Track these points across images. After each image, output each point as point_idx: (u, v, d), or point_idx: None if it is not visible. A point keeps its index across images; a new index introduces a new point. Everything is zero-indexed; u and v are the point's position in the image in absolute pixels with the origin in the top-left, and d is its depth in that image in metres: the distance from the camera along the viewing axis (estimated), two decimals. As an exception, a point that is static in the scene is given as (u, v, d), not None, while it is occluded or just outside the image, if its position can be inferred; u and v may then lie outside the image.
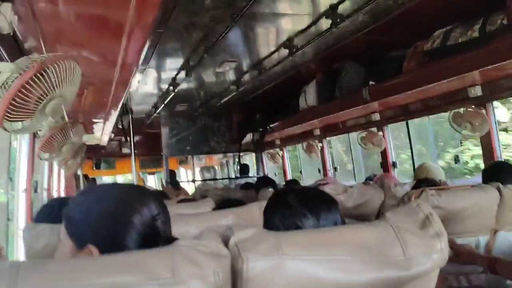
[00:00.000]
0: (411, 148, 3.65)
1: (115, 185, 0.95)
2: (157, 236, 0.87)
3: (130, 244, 0.84)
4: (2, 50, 1.66)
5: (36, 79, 1.32)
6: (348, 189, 2.47)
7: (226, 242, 0.84)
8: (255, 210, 1.59)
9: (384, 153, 3.80)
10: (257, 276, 0.80)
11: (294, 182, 4.33)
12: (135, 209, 0.86)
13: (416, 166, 3.51)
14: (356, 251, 0.85)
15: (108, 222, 0.85)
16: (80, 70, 1.57)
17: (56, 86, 1.38)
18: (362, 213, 2.40)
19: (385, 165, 3.80)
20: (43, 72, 1.33)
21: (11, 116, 1.33)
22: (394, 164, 3.76)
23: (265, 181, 3.43)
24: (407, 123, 3.68)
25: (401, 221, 0.93)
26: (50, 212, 1.48)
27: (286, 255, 0.82)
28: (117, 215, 0.85)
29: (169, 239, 0.87)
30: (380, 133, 3.78)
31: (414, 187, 2.25)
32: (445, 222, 1.48)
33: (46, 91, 1.38)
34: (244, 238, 0.84)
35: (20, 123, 1.45)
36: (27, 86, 1.31)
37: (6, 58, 1.71)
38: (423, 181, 2.35)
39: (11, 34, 1.63)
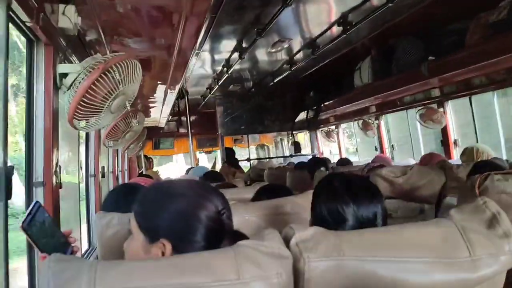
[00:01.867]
0: (474, 126, 3.49)
1: (182, 181, 0.99)
2: (222, 230, 0.91)
3: (199, 238, 0.88)
4: (68, 49, 1.75)
5: (101, 79, 1.39)
6: (407, 170, 2.41)
7: (287, 242, 0.86)
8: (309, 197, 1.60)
9: (444, 131, 3.66)
10: (318, 277, 0.82)
11: (346, 161, 4.28)
12: (202, 205, 0.91)
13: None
14: (419, 251, 0.84)
15: (179, 218, 0.89)
16: (140, 67, 1.62)
17: (120, 84, 1.44)
18: (422, 196, 2.33)
19: (446, 143, 3.66)
20: (107, 72, 1.39)
21: (80, 114, 1.41)
22: (455, 142, 3.62)
23: (317, 162, 3.41)
24: (470, 99, 3.51)
25: (467, 219, 0.90)
26: (116, 199, 1.56)
27: (347, 255, 0.83)
28: (187, 212, 0.90)
29: (234, 233, 0.91)
30: (441, 109, 3.63)
31: (473, 170, 2.14)
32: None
33: (111, 90, 1.45)
34: (305, 238, 0.85)
35: (86, 121, 1.54)
36: (93, 86, 1.37)
37: (73, 56, 1.80)
38: (484, 163, 2.24)
39: (76, 33, 1.71)
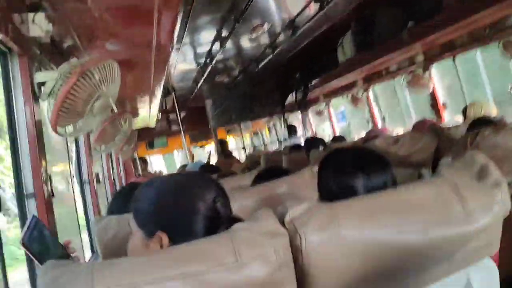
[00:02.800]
0: (461, 86, 3.49)
1: (175, 174, 1.00)
2: (219, 218, 0.90)
3: (196, 228, 0.88)
4: (44, 57, 1.72)
5: (79, 83, 1.37)
6: (400, 138, 2.42)
7: (282, 220, 0.86)
8: (308, 175, 1.60)
9: (433, 95, 3.66)
10: (317, 250, 0.82)
11: (340, 138, 4.29)
12: (197, 195, 0.90)
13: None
14: (414, 212, 0.85)
15: (174, 209, 0.89)
16: (118, 66, 1.60)
17: (99, 86, 1.42)
18: (417, 161, 2.35)
19: (435, 106, 3.66)
20: (85, 75, 1.38)
21: (63, 121, 1.40)
22: (444, 105, 3.62)
23: (313, 141, 3.41)
24: (454, 60, 3.50)
25: (457, 174, 0.91)
26: (122, 200, 1.54)
27: (343, 225, 0.83)
28: (181, 202, 0.90)
29: (231, 219, 0.91)
30: (427, 73, 3.63)
31: (469, 129, 2.16)
32: (505, 162, 1.44)
33: (90, 93, 1.43)
34: (299, 214, 0.85)
35: (71, 126, 1.52)
36: (72, 91, 1.36)
37: (49, 64, 1.78)
38: (478, 121, 2.25)
39: (50, 41, 1.69)
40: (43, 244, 0.98)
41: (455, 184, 0.88)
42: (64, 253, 1.07)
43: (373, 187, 1.06)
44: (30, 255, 0.95)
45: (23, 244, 0.93)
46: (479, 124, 2.14)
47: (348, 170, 1.10)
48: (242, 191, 1.59)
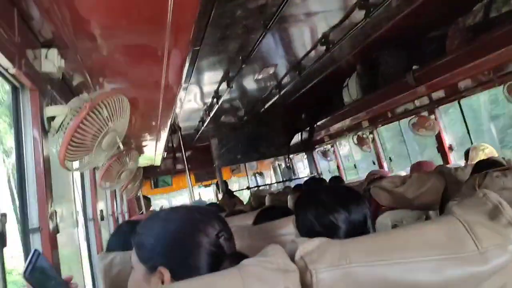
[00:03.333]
0: (467, 129, 3.50)
1: (178, 207, 0.98)
2: (223, 253, 0.89)
3: (199, 263, 0.86)
4: (54, 93, 1.75)
5: (89, 117, 1.38)
6: (407, 179, 2.40)
7: (292, 256, 0.84)
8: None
9: (439, 137, 3.67)
10: (328, 287, 0.80)
11: (337, 178, 4.30)
12: (200, 230, 0.89)
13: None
14: (427, 250, 0.83)
15: (177, 244, 0.88)
16: (128, 101, 1.62)
17: (108, 121, 1.44)
18: (425, 203, 2.32)
19: (442, 149, 3.66)
20: (94, 110, 1.39)
21: (71, 155, 1.40)
22: (451, 147, 3.62)
23: (312, 182, 3.41)
24: (459, 103, 3.53)
25: (469, 213, 0.89)
26: (119, 237, 1.53)
27: (354, 262, 0.81)
28: (184, 237, 0.88)
29: (235, 255, 0.89)
30: (432, 116, 3.65)
31: (474, 170, 2.14)
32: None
33: (100, 127, 1.44)
34: (309, 250, 0.84)
35: (78, 161, 1.53)
36: (81, 125, 1.37)
37: (59, 99, 1.80)
38: (484, 162, 2.24)
39: (61, 77, 1.72)
40: (44, 279, 0.97)
41: (467, 222, 0.87)
42: None
43: (353, 222, 1.11)
44: None
45: (25, 277, 0.92)
46: (484, 166, 2.13)
47: (330, 207, 1.14)
48: (247, 229, 1.58)
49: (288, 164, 6.71)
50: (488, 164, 2.17)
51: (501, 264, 0.82)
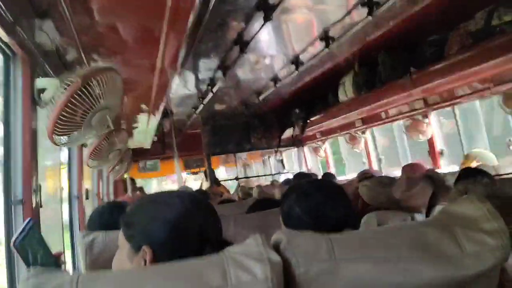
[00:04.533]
0: (459, 135, 3.51)
1: (172, 192, 0.99)
2: (208, 240, 0.90)
3: (183, 247, 0.87)
4: (46, 65, 1.72)
5: (80, 93, 1.36)
6: (396, 180, 2.41)
7: (277, 247, 0.83)
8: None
9: (430, 141, 3.68)
10: (311, 281, 0.79)
11: (329, 175, 4.30)
12: (189, 215, 0.90)
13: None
14: (411, 250, 0.83)
15: (164, 227, 0.88)
16: (121, 80, 1.60)
17: (100, 98, 1.41)
18: (412, 205, 2.33)
19: (433, 153, 3.68)
20: (86, 85, 1.36)
21: (59, 130, 1.38)
22: (442, 152, 3.64)
23: (302, 176, 3.41)
24: (453, 109, 3.54)
25: (456, 217, 0.89)
26: (101, 217, 1.53)
27: (339, 258, 0.80)
28: (172, 221, 0.89)
29: (222, 244, 0.88)
30: (426, 120, 3.66)
31: (459, 177, 2.15)
32: (503, 212, 1.42)
33: (91, 104, 1.42)
34: (295, 242, 0.83)
35: (67, 136, 1.50)
36: (72, 100, 1.35)
37: (51, 73, 1.77)
38: (470, 169, 2.25)
39: (54, 49, 1.68)
40: (34, 249, 0.95)
41: (453, 226, 0.86)
42: (55, 263, 1.04)
43: (338, 217, 1.13)
44: (20, 258, 0.92)
45: (14, 245, 0.90)
46: (470, 173, 2.14)
47: (315, 199, 1.16)
48: (236, 218, 1.58)
49: (280, 158, 6.71)
50: (474, 172, 2.19)
51: (485, 270, 0.82)
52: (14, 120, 1.49)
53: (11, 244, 0.90)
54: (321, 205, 1.14)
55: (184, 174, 7.81)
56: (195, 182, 8.26)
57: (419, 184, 2.38)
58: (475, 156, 3.23)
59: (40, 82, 1.50)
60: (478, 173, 2.10)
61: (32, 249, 0.94)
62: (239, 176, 6.72)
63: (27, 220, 0.93)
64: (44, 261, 0.98)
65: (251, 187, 4.23)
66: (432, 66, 2.90)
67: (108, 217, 1.49)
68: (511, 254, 0.87)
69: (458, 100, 3.32)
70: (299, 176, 4.01)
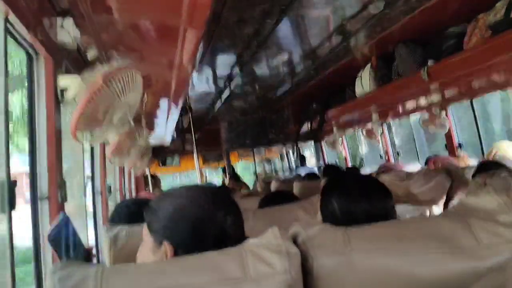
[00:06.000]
0: (477, 128, 3.47)
1: (193, 187, 1.01)
2: (229, 237, 0.90)
3: (204, 244, 0.88)
4: (68, 64, 1.76)
5: (103, 90, 1.40)
6: (412, 175, 2.40)
7: (295, 239, 0.86)
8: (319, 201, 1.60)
9: (448, 135, 3.65)
10: (328, 273, 0.81)
11: (354, 169, 4.28)
12: (210, 210, 0.91)
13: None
14: (428, 242, 0.84)
15: (185, 222, 0.90)
16: (141, 78, 1.63)
17: (121, 95, 1.45)
18: (429, 199, 2.32)
19: (451, 146, 3.64)
20: (109, 82, 1.40)
21: (82, 127, 1.42)
22: (460, 146, 3.60)
23: (332, 169, 3.40)
24: (471, 102, 3.50)
25: (474, 209, 0.89)
26: (124, 212, 1.56)
27: (355, 250, 0.82)
28: (193, 216, 0.90)
29: (241, 238, 0.90)
30: (443, 113, 3.62)
31: (478, 170, 2.14)
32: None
33: (112, 101, 1.46)
34: (312, 235, 0.85)
35: (89, 133, 1.55)
36: (94, 97, 1.39)
37: (73, 71, 1.82)
38: (487, 163, 2.23)
39: (76, 48, 1.73)
40: (68, 243, 0.99)
41: (470, 219, 0.87)
42: (86, 257, 1.08)
43: (374, 214, 1.07)
44: (54, 251, 0.96)
45: (49, 239, 0.94)
46: (487, 166, 2.12)
47: (352, 195, 1.13)
48: (252, 213, 1.59)
49: (301, 153, 6.70)
50: (492, 165, 2.17)
51: (501, 262, 0.83)
52: (38, 117, 1.54)
53: (46, 238, 0.94)
54: (355, 202, 1.11)
55: (208, 170, 7.88)
56: (218, 177, 8.33)
57: (436, 177, 2.36)
58: (497, 148, 3.19)
59: (63, 80, 1.54)
60: (495, 166, 2.09)
61: (65, 243, 0.98)
62: (258, 171, 6.75)
63: (61, 216, 0.97)
64: (76, 254, 1.02)
65: (269, 182, 4.24)
66: (449, 58, 2.86)
67: (131, 211, 1.52)
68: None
69: (476, 93, 3.28)
70: (330, 168, 4.01)
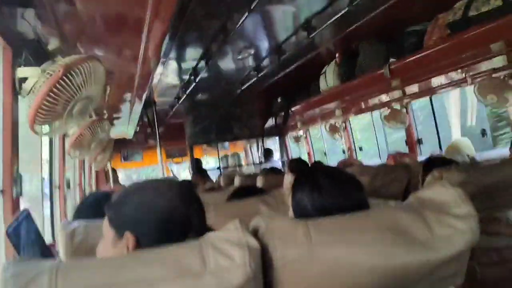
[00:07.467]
0: (435, 125, 3.59)
1: (158, 181, 1.01)
2: (191, 228, 0.91)
3: (167, 236, 0.88)
4: (28, 55, 1.71)
5: (62, 82, 1.36)
6: (374, 169, 2.46)
7: (255, 232, 0.86)
8: (281, 195, 1.61)
9: (408, 130, 3.75)
10: (288, 265, 0.82)
11: (319, 163, 4.34)
12: (174, 204, 0.92)
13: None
14: (385, 234, 0.86)
15: (148, 214, 0.90)
16: (104, 69, 1.60)
17: (82, 87, 1.42)
18: (389, 193, 2.39)
19: (410, 142, 3.75)
20: (68, 74, 1.37)
21: (40, 119, 1.38)
22: (419, 141, 3.71)
23: (298, 163, 3.41)
24: (430, 99, 3.61)
25: (429, 202, 0.93)
26: (89, 207, 1.52)
27: (315, 242, 0.83)
28: (156, 208, 0.90)
29: (201, 229, 0.90)
30: (404, 110, 3.72)
31: (424, 166, 2.23)
32: (477, 198, 1.47)
33: (72, 93, 1.42)
34: (273, 227, 0.86)
35: (48, 126, 1.50)
36: (54, 89, 1.35)
37: (33, 62, 1.76)
38: (436, 159, 2.33)
39: (36, 38, 1.67)
40: (27, 239, 0.96)
41: (425, 209, 0.90)
42: (47, 253, 1.05)
43: (347, 207, 1.05)
44: (12, 246, 0.93)
45: (7, 233, 0.91)
46: (434, 163, 2.20)
47: (324, 190, 1.10)
48: (214, 207, 1.59)
49: (267, 147, 6.72)
50: (440, 160, 2.27)
51: (454, 253, 0.86)
52: (-5, 109, 1.48)
53: (5, 231, 0.91)
54: (327, 196, 1.09)
55: (173, 165, 7.80)
56: (183, 171, 8.26)
57: (396, 172, 2.44)
58: (452, 145, 3.32)
59: (21, 72, 1.49)
60: (443, 162, 2.18)
61: (24, 238, 0.95)
62: (222, 166, 6.74)
63: (22, 210, 0.94)
64: (36, 250, 0.99)
65: (232, 177, 4.25)
66: (410, 56, 2.94)
67: (94, 207, 1.49)
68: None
69: (435, 90, 3.39)
70: (296, 162, 4.03)
